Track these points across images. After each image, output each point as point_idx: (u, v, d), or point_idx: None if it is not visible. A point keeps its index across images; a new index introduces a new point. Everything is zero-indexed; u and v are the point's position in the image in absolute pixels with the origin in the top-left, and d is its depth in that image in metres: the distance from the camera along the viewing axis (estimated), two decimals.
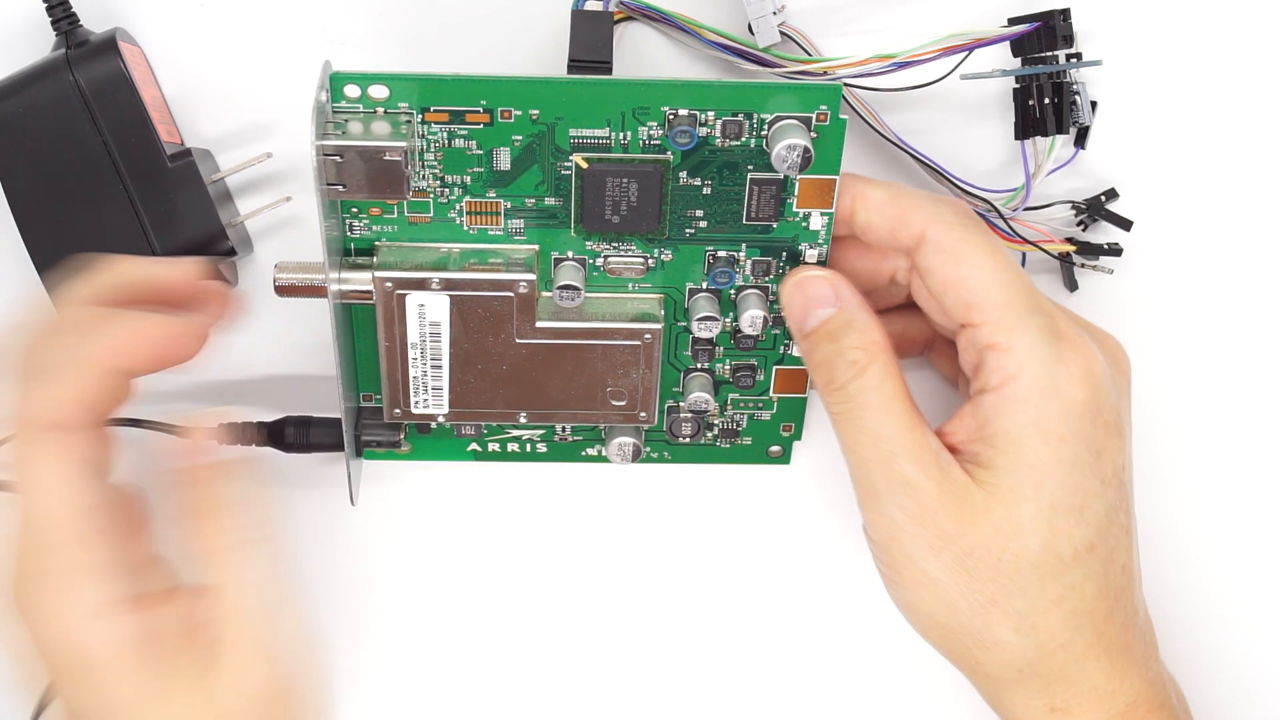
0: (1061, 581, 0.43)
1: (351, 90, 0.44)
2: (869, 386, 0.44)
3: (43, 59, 0.49)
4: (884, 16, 0.50)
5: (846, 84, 0.48)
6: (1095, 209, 0.51)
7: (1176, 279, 0.53)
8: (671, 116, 0.45)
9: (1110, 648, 0.44)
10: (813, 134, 0.45)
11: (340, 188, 0.44)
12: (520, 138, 0.45)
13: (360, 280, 0.46)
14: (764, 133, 0.45)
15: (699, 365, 0.50)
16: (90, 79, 0.48)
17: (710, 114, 0.45)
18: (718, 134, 0.45)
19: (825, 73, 0.47)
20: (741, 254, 0.48)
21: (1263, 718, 0.57)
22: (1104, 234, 0.52)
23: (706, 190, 0.46)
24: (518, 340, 0.47)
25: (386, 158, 0.44)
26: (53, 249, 0.48)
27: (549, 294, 0.48)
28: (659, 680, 0.58)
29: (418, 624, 0.58)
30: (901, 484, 0.43)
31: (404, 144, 0.44)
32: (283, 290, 0.46)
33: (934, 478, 0.43)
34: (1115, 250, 0.51)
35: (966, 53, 0.48)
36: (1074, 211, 0.51)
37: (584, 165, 0.45)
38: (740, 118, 0.45)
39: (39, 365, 0.41)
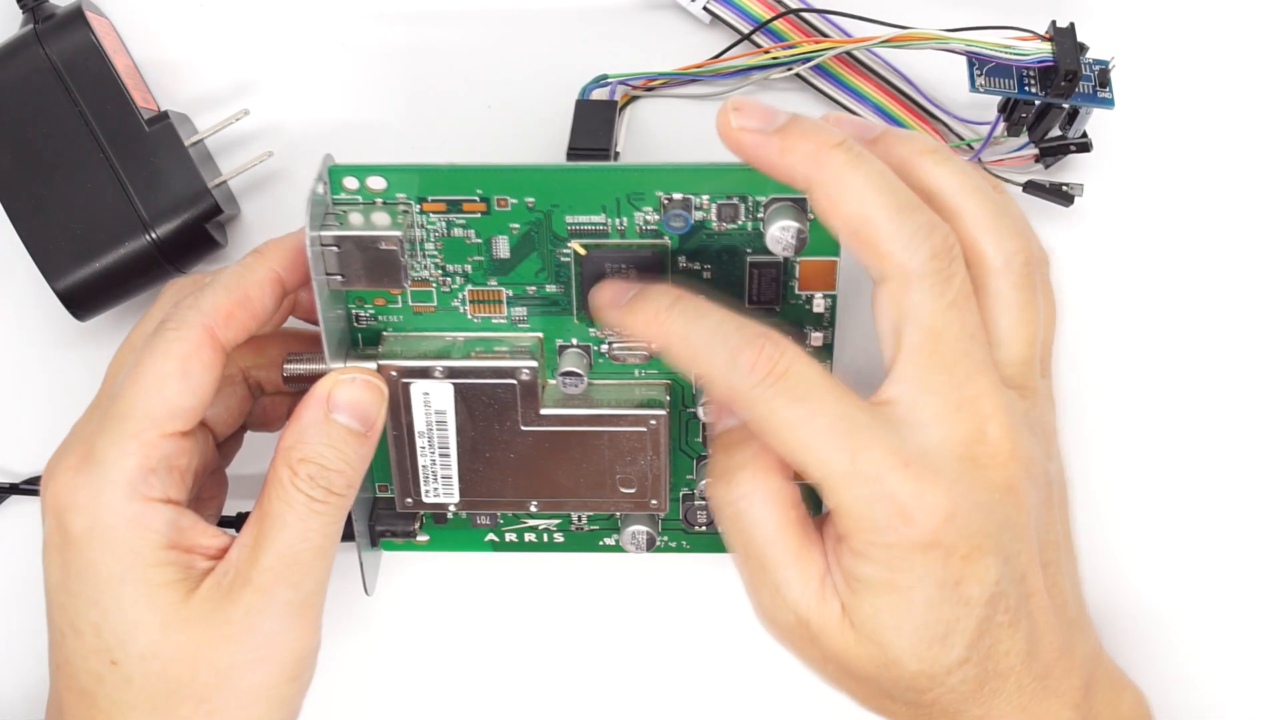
0: (942, 686, 0.42)
1: (350, 182, 0.44)
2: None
3: (11, 36, 0.48)
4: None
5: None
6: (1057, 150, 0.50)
7: (1132, 241, 0.52)
8: (666, 201, 0.44)
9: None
10: (810, 215, 0.45)
11: (339, 278, 0.44)
12: (518, 225, 0.45)
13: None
14: (760, 215, 0.45)
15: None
16: (61, 51, 0.48)
17: (705, 198, 0.44)
18: (713, 218, 0.45)
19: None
20: None
21: None
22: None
23: (707, 274, 0.46)
24: (523, 427, 0.47)
25: (382, 247, 0.44)
26: (40, 223, 0.48)
27: (555, 381, 0.48)
28: None
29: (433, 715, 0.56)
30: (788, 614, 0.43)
31: (399, 233, 0.44)
32: (290, 379, 0.46)
33: (814, 610, 0.42)
34: (1085, 145, 0.49)
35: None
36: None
37: (582, 252, 0.45)
38: (735, 201, 0.44)
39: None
